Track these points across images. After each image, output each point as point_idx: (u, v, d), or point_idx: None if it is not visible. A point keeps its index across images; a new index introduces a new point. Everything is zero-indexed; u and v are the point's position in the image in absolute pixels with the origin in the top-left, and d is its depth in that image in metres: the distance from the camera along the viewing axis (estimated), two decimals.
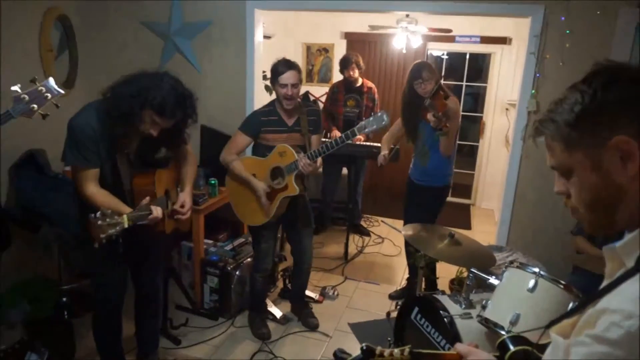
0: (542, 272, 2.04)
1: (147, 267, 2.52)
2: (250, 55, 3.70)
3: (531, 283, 2.03)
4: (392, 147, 3.69)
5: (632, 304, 0.73)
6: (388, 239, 4.94)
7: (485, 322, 2.10)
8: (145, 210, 2.09)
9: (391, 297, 3.77)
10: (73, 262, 3.24)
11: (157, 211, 2.12)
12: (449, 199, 5.89)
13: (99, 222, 1.84)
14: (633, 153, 0.80)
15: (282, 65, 2.79)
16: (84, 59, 3.68)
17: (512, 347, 1.17)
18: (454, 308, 2.34)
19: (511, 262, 2.22)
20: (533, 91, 3.18)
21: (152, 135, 2.07)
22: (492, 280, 2.29)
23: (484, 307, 2.18)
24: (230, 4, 3.62)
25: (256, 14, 3.62)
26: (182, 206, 2.34)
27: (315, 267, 4.06)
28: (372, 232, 5.06)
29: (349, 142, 2.79)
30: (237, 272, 3.29)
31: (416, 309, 2.54)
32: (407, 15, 4.55)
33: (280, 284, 3.71)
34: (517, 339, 1.18)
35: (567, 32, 3.02)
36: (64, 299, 3.09)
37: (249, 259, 3.39)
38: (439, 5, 3.34)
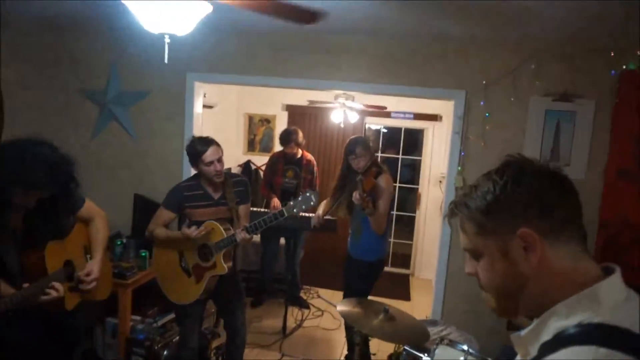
0: (470, 350, 2.07)
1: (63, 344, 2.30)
2: (189, 126, 3.71)
3: None
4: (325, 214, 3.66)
5: None
6: (328, 311, 4.85)
7: None
8: (32, 292, 1.93)
9: None
10: None
11: (56, 290, 1.98)
12: (388, 269, 6.01)
13: None
14: (534, 245, 0.85)
15: (201, 144, 2.72)
16: (11, 128, 3.53)
17: None
18: None
19: (441, 339, 2.24)
20: (459, 168, 3.37)
21: (28, 207, 1.95)
22: (425, 358, 2.29)
23: None
24: (170, 75, 3.66)
25: (196, 86, 3.69)
26: (88, 275, 2.18)
27: (252, 342, 3.89)
28: (312, 305, 4.96)
29: (281, 219, 2.75)
30: (165, 352, 3.09)
31: None
32: (344, 93, 4.78)
33: None
34: None
35: (487, 115, 3.28)
36: None
37: (178, 337, 3.20)
38: (371, 87, 3.55)
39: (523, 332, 0.91)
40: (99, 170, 3.81)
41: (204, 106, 5.25)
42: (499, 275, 0.90)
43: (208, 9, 1.67)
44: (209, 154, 2.69)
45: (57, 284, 2.00)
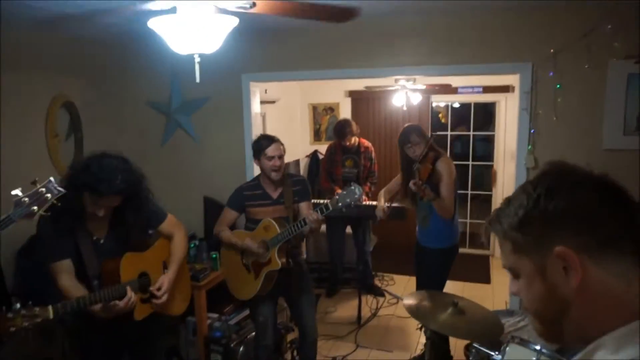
0: (543, 350, 1.92)
1: (140, 351, 2.47)
2: (247, 126, 3.78)
3: None
4: (390, 203, 3.60)
5: None
6: (403, 298, 4.78)
7: None
8: (107, 295, 2.08)
9: None
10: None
11: (128, 297, 2.10)
12: (466, 250, 5.79)
13: (9, 315, 1.83)
14: (574, 264, 0.75)
15: (265, 140, 2.88)
16: (90, 142, 3.81)
17: None
18: None
19: (512, 337, 2.10)
20: (529, 147, 3.13)
21: (99, 215, 2.09)
22: (495, 356, 2.17)
23: None
24: (226, 78, 3.74)
25: (251, 86, 3.73)
26: (159, 289, 2.29)
27: (327, 334, 3.95)
28: (387, 292, 4.92)
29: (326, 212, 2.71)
30: (241, 348, 3.21)
31: None
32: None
33: (288, 357, 3.59)
34: None
35: (558, 86, 2.99)
36: None
37: (253, 333, 3.32)
38: (431, 69, 3.40)
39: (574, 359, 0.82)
40: (170, 176, 4.01)
41: (267, 102, 5.35)
42: (537, 297, 0.81)
43: (234, 22, 1.66)
44: (271, 149, 2.83)
45: (130, 291, 2.14)
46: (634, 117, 2.99)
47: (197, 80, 1.90)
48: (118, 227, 2.23)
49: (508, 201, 0.85)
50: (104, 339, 2.28)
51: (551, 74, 3.01)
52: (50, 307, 1.92)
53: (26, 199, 1.89)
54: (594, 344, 0.75)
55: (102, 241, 2.23)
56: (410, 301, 2.72)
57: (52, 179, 2.01)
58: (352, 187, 2.63)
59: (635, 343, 0.70)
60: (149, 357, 2.52)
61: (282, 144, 2.90)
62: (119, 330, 2.27)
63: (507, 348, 2.07)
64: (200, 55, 3.63)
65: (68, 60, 3.66)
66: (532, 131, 3.11)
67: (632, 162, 2.94)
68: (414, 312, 2.60)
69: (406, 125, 3.34)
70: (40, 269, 3.16)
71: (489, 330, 2.46)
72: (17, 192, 1.89)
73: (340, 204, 2.64)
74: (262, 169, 2.91)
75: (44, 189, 1.93)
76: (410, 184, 2.95)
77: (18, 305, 1.88)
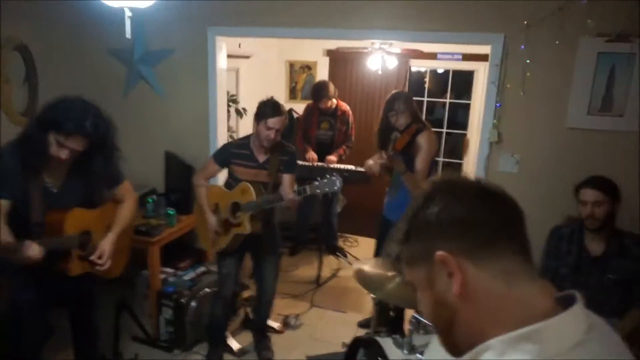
0: None
1: (77, 306, 2.48)
2: (212, 82, 3.65)
3: None
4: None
5: None
6: (366, 259, 4.84)
7: None
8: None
9: (360, 325, 3.70)
10: None
11: (30, 250, 1.92)
12: None
13: None
14: (452, 268, 0.76)
15: (272, 109, 2.76)
16: (46, 88, 3.63)
17: None
18: (395, 353, 2.26)
19: None
20: (495, 121, 3.09)
21: (62, 158, 2.00)
22: (433, 327, 2.21)
23: (421, 354, 2.11)
24: (191, 30, 3.57)
25: (217, 40, 3.58)
26: (100, 257, 2.24)
27: (284, 293, 4.00)
28: (349, 253, 4.98)
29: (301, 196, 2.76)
30: (193, 303, 3.23)
31: (361, 351, 2.47)
32: None
33: (242, 313, 3.64)
34: None
35: (527, 61, 2.93)
36: None
37: (207, 290, 3.33)
38: (404, 34, 3.26)
39: None
40: (132, 128, 3.85)
41: (241, 57, 5.18)
42: (429, 308, 0.83)
43: None
44: (273, 122, 2.74)
45: (35, 244, 1.95)
46: (599, 97, 2.96)
47: (128, 36, 1.81)
48: (76, 180, 2.17)
49: (401, 219, 0.87)
50: (35, 294, 2.20)
51: (522, 47, 2.93)
52: None
53: None
54: (482, 345, 0.75)
55: (55, 190, 2.16)
56: (359, 268, 2.74)
57: None
58: (334, 178, 2.64)
59: (521, 349, 0.70)
60: (90, 312, 2.52)
61: (286, 117, 2.83)
62: (53, 285, 2.22)
63: None
64: (165, 4, 3.46)
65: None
66: (498, 105, 3.06)
67: (594, 141, 2.95)
68: (361, 279, 2.62)
69: (394, 91, 3.25)
70: None
71: None
72: None
73: (318, 191, 2.68)
74: (257, 132, 2.82)
75: None
76: (382, 154, 2.91)
77: None
